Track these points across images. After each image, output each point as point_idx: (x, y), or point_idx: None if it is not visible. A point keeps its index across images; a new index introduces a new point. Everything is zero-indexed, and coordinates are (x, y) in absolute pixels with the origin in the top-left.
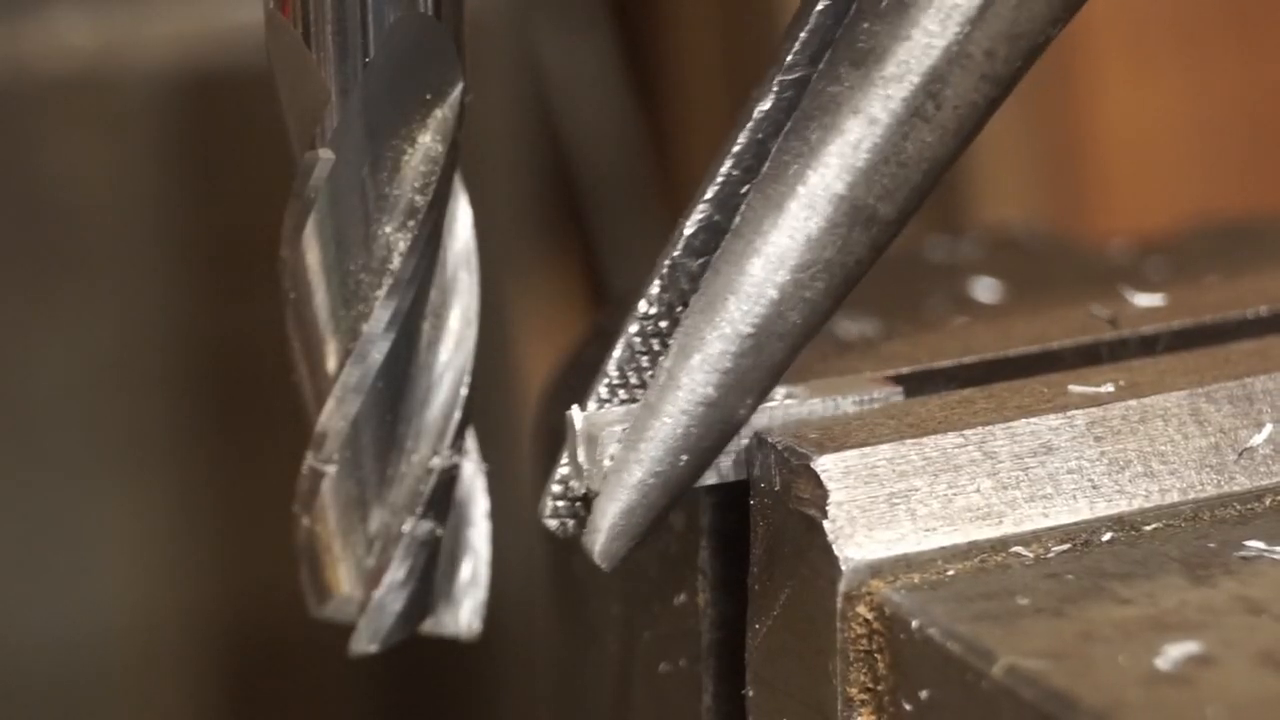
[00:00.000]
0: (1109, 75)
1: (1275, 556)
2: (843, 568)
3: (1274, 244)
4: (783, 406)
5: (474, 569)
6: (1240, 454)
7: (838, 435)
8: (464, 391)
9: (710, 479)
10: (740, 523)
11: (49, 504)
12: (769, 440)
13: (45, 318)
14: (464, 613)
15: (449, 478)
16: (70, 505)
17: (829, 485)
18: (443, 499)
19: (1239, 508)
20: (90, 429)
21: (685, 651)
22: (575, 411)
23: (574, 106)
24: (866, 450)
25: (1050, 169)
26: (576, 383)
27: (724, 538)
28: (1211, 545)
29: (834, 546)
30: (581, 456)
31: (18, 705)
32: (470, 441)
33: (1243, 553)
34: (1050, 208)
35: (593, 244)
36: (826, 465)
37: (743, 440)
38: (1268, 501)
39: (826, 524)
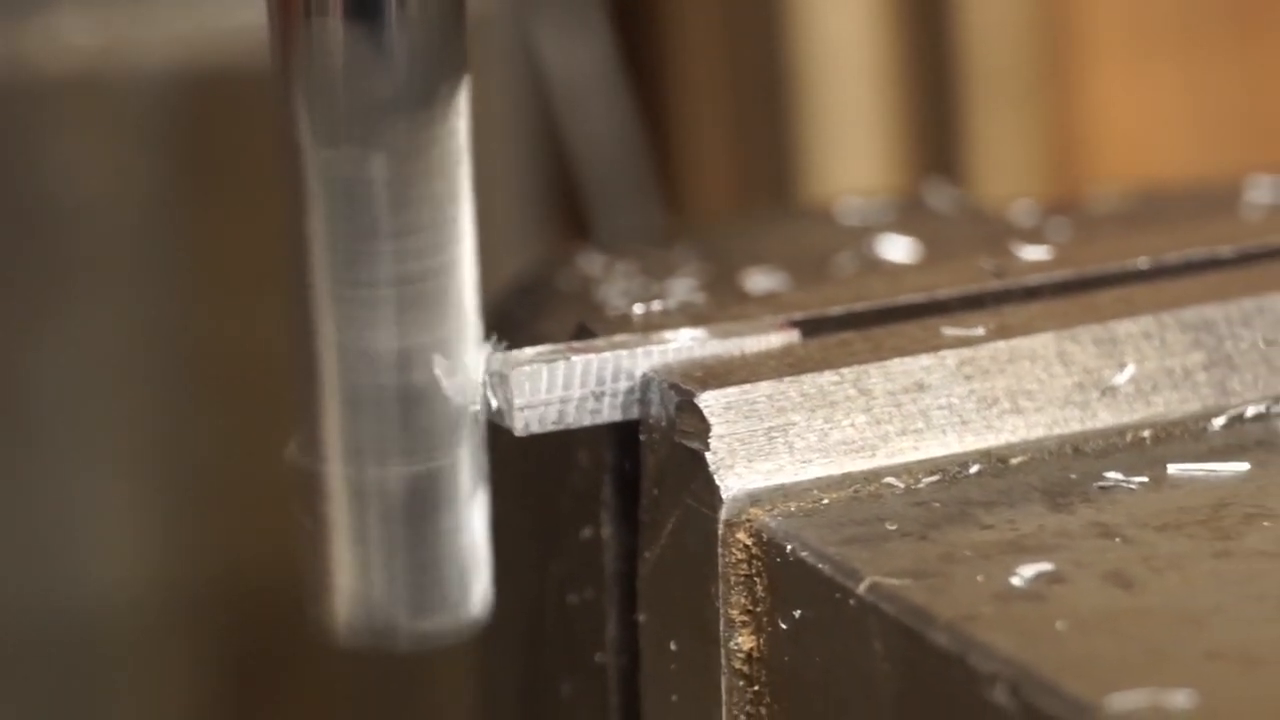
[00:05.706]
0: (1106, 71)
1: (1131, 486)
2: (724, 496)
3: (1178, 206)
4: (681, 349)
5: (474, 564)
6: (1103, 392)
7: (720, 373)
8: (464, 390)
9: (608, 417)
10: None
11: (48, 504)
12: (657, 379)
13: (45, 318)
14: (463, 608)
15: (449, 475)
16: (69, 504)
17: (711, 419)
18: (443, 496)
19: (1101, 442)
20: (90, 429)
21: (591, 583)
22: (489, 351)
23: (574, 106)
24: (747, 387)
25: (1047, 165)
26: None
27: (625, 474)
28: (1073, 476)
29: (715, 477)
30: (496, 398)
31: (16, 701)
32: (470, 439)
33: (1101, 483)
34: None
35: (592, 243)
36: (709, 401)
37: (637, 380)
38: (1129, 437)
39: (709, 456)
